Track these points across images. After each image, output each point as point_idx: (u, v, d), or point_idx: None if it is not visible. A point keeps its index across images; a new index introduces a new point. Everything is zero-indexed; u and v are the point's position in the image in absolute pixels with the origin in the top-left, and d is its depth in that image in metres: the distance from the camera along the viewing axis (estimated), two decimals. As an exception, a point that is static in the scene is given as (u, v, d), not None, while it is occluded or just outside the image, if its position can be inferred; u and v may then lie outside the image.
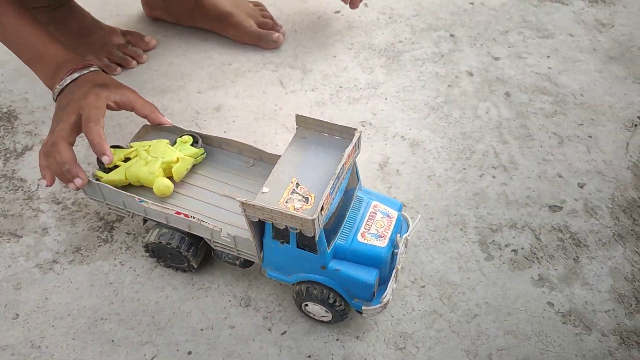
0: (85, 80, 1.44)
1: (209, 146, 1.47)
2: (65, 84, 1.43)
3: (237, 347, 1.32)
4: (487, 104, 1.92)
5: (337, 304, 1.24)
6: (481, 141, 1.80)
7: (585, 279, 1.47)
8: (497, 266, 1.49)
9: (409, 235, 1.27)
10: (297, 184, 1.15)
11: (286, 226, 1.11)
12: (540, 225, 1.59)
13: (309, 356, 1.31)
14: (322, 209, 1.07)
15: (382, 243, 1.21)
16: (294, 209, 1.10)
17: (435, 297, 1.40)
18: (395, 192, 1.64)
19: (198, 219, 1.26)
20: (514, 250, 1.53)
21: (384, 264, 1.22)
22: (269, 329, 1.35)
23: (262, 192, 1.14)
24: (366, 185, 1.54)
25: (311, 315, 1.33)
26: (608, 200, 1.66)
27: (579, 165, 1.75)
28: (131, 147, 1.42)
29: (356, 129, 1.20)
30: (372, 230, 1.24)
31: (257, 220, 1.13)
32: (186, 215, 1.27)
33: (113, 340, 1.32)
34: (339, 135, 1.24)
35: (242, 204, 1.10)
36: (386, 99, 1.92)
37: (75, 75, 1.44)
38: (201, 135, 1.46)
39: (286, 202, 1.12)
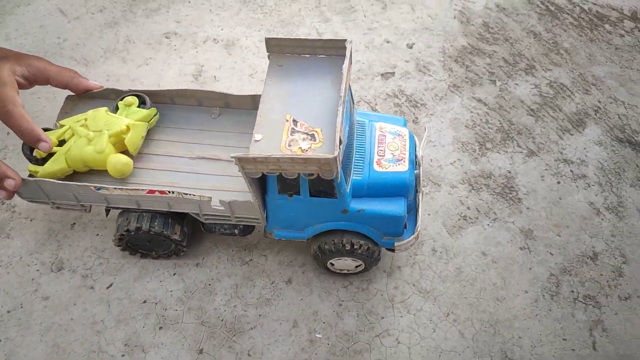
0: None
1: (158, 104, 1.15)
2: None
3: (56, 318, 1.11)
4: (302, -15, 1.74)
5: (367, 249, 1.05)
6: (302, 25, 1.63)
7: (427, 137, 1.40)
8: (338, 149, 1.38)
9: (421, 152, 1.07)
10: (294, 121, 0.92)
11: (298, 174, 0.89)
12: (375, 96, 1.48)
13: (144, 301, 1.14)
14: (340, 142, 0.85)
15: (403, 167, 1.01)
16: (302, 151, 0.86)
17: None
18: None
19: (179, 193, 0.98)
20: (353, 128, 1.41)
21: (410, 190, 1.02)
22: (92, 287, 1.15)
23: (255, 140, 0.89)
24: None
25: (339, 271, 1.14)
26: (439, 54, 1.57)
27: (406, 26, 1.64)
28: (61, 125, 1.07)
29: (345, 40, 0.97)
30: (387, 155, 1.03)
31: (259, 176, 0.89)
32: (162, 192, 0.99)
33: None
34: (323, 53, 1.00)
35: (239, 159, 0.85)
36: (189, 2, 1.68)
37: None
38: (147, 93, 1.13)
39: (289, 145, 0.88)
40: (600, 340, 1.09)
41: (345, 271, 1.14)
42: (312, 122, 0.92)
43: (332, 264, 1.11)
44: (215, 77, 1.50)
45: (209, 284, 1.15)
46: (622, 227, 1.24)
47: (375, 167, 1.01)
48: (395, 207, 0.99)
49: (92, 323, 1.11)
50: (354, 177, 1.00)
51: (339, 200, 0.96)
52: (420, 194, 1.06)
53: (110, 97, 1.15)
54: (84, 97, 1.16)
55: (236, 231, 1.09)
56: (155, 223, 1.06)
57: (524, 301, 1.14)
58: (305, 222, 1.03)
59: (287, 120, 0.92)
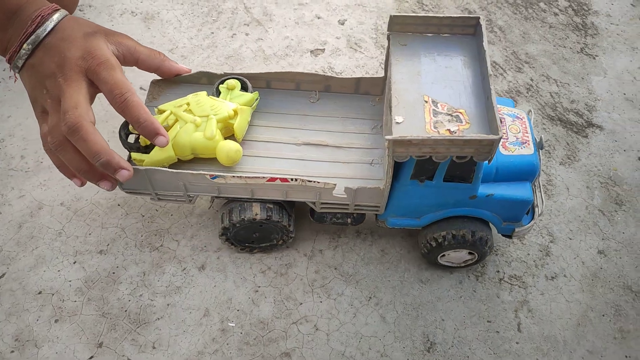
0: (69, 29, 0.90)
1: (256, 89, 1.08)
2: (40, 39, 0.88)
3: (-63, 313, 1.00)
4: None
5: (486, 241, 1.00)
6: (229, 0, 1.55)
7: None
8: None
9: (535, 134, 1.04)
10: (434, 102, 0.88)
11: (450, 158, 0.85)
12: (303, 73, 1.41)
13: (39, 293, 1.04)
14: (501, 122, 0.85)
15: (529, 150, 0.98)
16: (450, 132, 0.84)
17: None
18: (131, 76, 1.35)
19: (302, 180, 0.92)
20: (278, 106, 1.34)
21: (536, 174, 0.98)
22: (-19, 278, 1.05)
23: (397, 123, 0.86)
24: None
25: (450, 264, 1.08)
26: (371, 30, 1.52)
27: (338, 2, 1.57)
28: (161, 111, 0.98)
29: (478, 17, 0.94)
30: (511, 138, 0.99)
31: (406, 159, 0.85)
32: (284, 180, 0.92)
33: None
34: (448, 31, 0.98)
35: (393, 142, 0.82)
36: (107, -27, 1.57)
37: (50, 24, 0.88)
38: (244, 76, 1.06)
39: (434, 127, 0.85)
40: (525, 322, 1.06)
41: (454, 265, 1.09)
42: (453, 102, 0.89)
43: (444, 255, 1.06)
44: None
45: (113, 273, 1.07)
46: (550, 206, 1.22)
47: (502, 150, 0.98)
48: (523, 191, 0.97)
49: (-21, 318, 1.00)
50: None
51: (472, 185, 0.93)
52: (539, 175, 1.02)
53: (201, 81, 1.08)
54: (170, 81, 1.08)
55: (349, 220, 1.04)
56: (273, 212, 0.99)
57: (449, 282, 1.10)
58: (426, 209, 0.99)
59: (426, 102, 0.89)
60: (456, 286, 1.10)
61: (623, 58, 1.51)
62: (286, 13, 1.53)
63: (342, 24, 1.52)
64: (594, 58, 1.50)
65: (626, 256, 1.15)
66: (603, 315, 1.08)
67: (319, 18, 1.53)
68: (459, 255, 1.06)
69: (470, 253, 1.05)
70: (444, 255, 1.06)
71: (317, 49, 1.46)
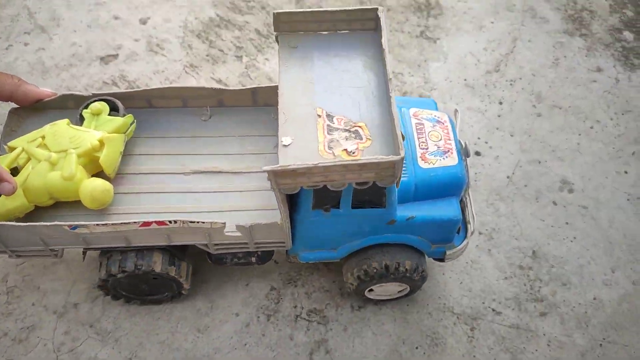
0: None
1: (131, 109, 0.89)
2: None
3: None
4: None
5: (413, 268, 0.85)
6: (9, 5, 1.32)
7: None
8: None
9: (460, 139, 0.88)
10: (329, 115, 0.73)
11: (349, 185, 0.70)
12: (87, 86, 1.20)
13: None
14: (403, 138, 0.69)
15: (452, 160, 0.83)
16: (348, 153, 0.69)
17: None
18: None
19: (183, 221, 0.76)
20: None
21: (463, 187, 0.84)
22: None
23: (284, 145, 0.70)
24: None
25: (380, 298, 0.93)
26: (179, 29, 1.32)
27: (141, -1, 1.37)
28: (12, 149, 0.81)
29: (377, 8, 0.79)
30: (431, 147, 0.84)
31: (297, 191, 0.70)
32: (161, 223, 0.76)
33: None
34: (346, 27, 0.82)
35: (275, 173, 0.66)
36: None
37: None
38: (115, 96, 0.88)
39: (329, 147, 0.70)
40: (321, 366, 0.89)
41: (386, 298, 0.94)
42: (351, 115, 0.74)
43: (372, 290, 0.91)
44: None
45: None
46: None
47: (421, 163, 0.83)
48: (449, 209, 0.83)
49: None
50: None
51: (387, 209, 0.78)
52: (467, 186, 0.87)
53: (69, 106, 0.89)
54: (32, 108, 0.88)
55: (253, 259, 0.87)
56: (152, 260, 0.82)
57: (233, 327, 0.92)
58: (339, 240, 0.85)
59: (320, 116, 0.74)
60: (241, 331, 0.91)
61: (467, 39, 1.35)
62: (78, 15, 1.32)
63: (144, 23, 1.32)
64: (435, 42, 1.34)
65: (450, 271, 0.99)
66: (416, 348, 0.91)
67: (116, 19, 1.32)
68: (387, 289, 0.90)
69: (401, 285, 0.89)
70: (371, 289, 0.89)
71: (109, 55, 1.25)
